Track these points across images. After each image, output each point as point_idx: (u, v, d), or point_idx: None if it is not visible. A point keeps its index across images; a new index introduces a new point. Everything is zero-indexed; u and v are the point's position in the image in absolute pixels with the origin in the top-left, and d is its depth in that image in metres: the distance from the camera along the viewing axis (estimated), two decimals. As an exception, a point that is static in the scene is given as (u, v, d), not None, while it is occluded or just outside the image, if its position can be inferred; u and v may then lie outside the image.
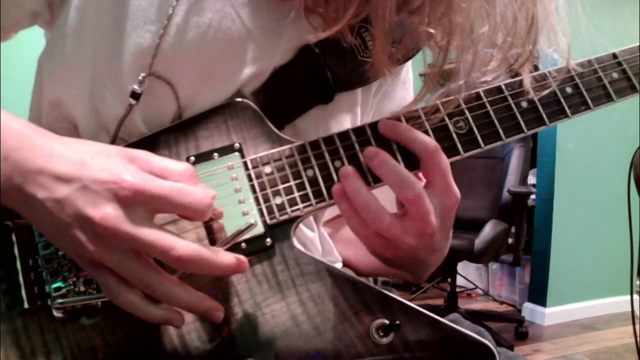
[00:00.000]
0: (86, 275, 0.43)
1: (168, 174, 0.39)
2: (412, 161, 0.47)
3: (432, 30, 0.43)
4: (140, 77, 0.45)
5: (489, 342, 0.42)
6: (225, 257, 0.38)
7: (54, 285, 0.43)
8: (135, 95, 0.45)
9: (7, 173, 0.37)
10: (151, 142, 0.47)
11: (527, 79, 0.48)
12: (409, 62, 0.60)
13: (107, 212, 0.35)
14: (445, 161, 0.45)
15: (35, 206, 0.37)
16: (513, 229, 2.34)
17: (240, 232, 0.42)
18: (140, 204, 0.37)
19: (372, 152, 0.45)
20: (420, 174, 0.47)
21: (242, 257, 0.40)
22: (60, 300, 0.42)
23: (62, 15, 0.47)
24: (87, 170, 0.36)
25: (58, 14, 0.48)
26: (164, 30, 0.45)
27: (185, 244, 0.36)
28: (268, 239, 0.45)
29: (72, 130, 0.49)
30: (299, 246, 0.45)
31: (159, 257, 0.36)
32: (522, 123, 0.50)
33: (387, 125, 0.47)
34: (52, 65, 0.49)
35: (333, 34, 0.45)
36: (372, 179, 0.46)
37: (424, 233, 0.44)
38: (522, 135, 0.50)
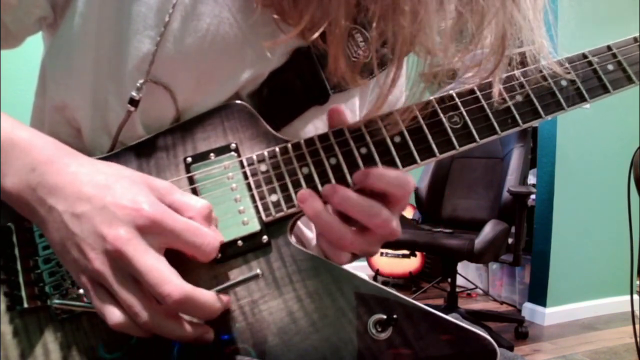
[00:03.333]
0: None
1: (186, 209, 0.40)
2: (405, 156, 0.48)
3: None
4: (138, 84, 0.45)
5: (488, 336, 0.42)
6: (215, 304, 0.39)
7: (54, 285, 0.43)
8: (133, 102, 0.45)
9: (33, 184, 0.39)
10: (149, 145, 0.47)
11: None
12: (405, 59, 0.61)
13: (121, 233, 0.37)
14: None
15: (52, 217, 0.38)
16: (513, 229, 2.33)
17: (242, 281, 0.42)
18: (154, 234, 0.38)
19: (330, 190, 0.45)
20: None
21: (227, 298, 0.41)
22: (58, 301, 0.42)
23: (66, 20, 0.47)
24: (109, 192, 0.38)
25: (61, 17, 0.48)
26: (161, 38, 0.45)
27: (179, 282, 0.37)
28: (264, 237, 0.45)
29: (75, 133, 0.50)
30: (295, 243, 0.46)
31: (150, 287, 0.37)
32: (517, 116, 0.49)
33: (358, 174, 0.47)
34: (55, 70, 0.49)
35: (289, 40, 0.45)
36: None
37: (387, 240, 0.47)
38: (518, 128, 0.50)
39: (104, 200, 0.38)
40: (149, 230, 0.38)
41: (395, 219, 0.46)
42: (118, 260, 0.37)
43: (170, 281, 0.37)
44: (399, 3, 0.41)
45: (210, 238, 0.40)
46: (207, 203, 0.42)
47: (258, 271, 0.43)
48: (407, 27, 0.41)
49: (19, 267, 0.43)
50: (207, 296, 0.39)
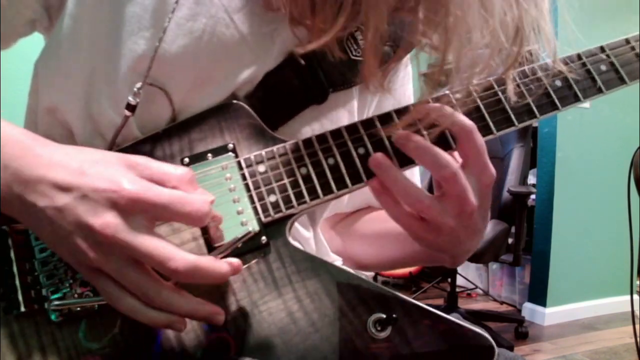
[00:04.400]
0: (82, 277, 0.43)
1: (167, 180, 0.39)
2: (403, 157, 0.47)
3: (426, 40, 0.43)
4: (135, 89, 0.45)
5: (487, 335, 0.42)
6: (221, 267, 0.38)
7: (51, 289, 0.43)
8: (130, 107, 0.45)
9: (7, 182, 0.37)
10: (145, 145, 0.47)
11: (510, 85, 0.48)
12: (407, 57, 0.60)
13: (107, 220, 0.36)
14: (481, 140, 0.46)
15: (36, 214, 0.37)
16: (513, 229, 2.33)
17: (238, 240, 0.42)
18: (140, 212, 0.37)
19: (404, 136, 0.46)
20: (456, 154, 0.48)
21: (236, 262, 0.40)
22: (57, 302, 0.42)
23: (59, 21, 0.47)
24: (87, 178, 0.37)
25: (56, 19, 0.48)
26: (159, 43, 0.45)
27: (183, 255, 0.37)
28: (263, 237, 0.45)
29: (68, 135, 0.49)
30: (294, 243, 0.46)
31: (156, 267, 0.37)
32: (512, 116, 0.50)
33: (420, 107, 0.47)
34: (47, 71, 0.49)
35: (321, 46, 0.44)
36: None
37: (463, 212, 0.45)
38: (513, 128, 0.50)
39: (82, 188, 0.36)
40: (134, 209, 0.37)
41: (470, 190, 0.45)
42: (112, 246, 0.36)
43: (173, 256, 0.36)
44: (448, 3, 0.40)
45: (199, 203, 0.38)
46: (188, 169, 0.41)
47: (250, 229, 0.42)
48: (450, 23, 0.41)
49: (15, 270, 0.43)
50: (212, 261, 0.38)
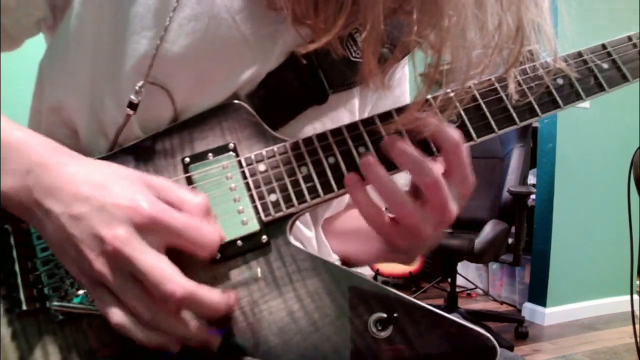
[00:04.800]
0: None
1: (184, 206, 0.40)
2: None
3: (420, 40, 0.43)
4: (137, 87, 0.45)
5: (490, 335, 0.42)
6: (219, 303, 0.39)
7: (53, 287, 0.43)
8: (132, 105, 0.45)
9: (29, 186, 0.38)
10: (147, 145, 0.47)
11: (512, 84, 0.48)
12: (405, 59, 0.61)
13: (119, 233, 0.36)
14: (466, 153, 0.46)
15: (49, 219, 0.38)
16: (513, 229, 2.33)
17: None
18: (153, 232, 0.38)
19: (391, 140, 0.46)
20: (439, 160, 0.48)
21: (232, 296, 0.41)
22: (56, 304, 0.42)
23: (64, 21, 0.47)
24: (107, 192, 0.38)
25: (60, 19, 0.49)
26: (161, 41, 0.45)
27: (181, 281, 0.37)
28: (264, 236, 0.45)
29: (72, 135, 0.50)
30: (295, 243, 0.46)
31: (153, 287, 0.37)
32: (514, 115, 0.50)
33: (417, 106, 0.46)
34: (52, 71, 0.49)
35: (322, 45, 0.44)
36: (386, 167, 0.46)
37: (442, 221, 0.45)
38: (515, 127, 0.50)
39: (101, 200, 0.37)
40: (148, 229, 0.37)
41: (451, 199, 0.45)
42: (118, 260, 0.36)
43: (172, 279, 0.36)
44: (442, 5, 0.40)
45: (210, 235, 0.39)
46: (204, 198, 0.42)
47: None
48: (444, 24, 0.41)
49: (17, 269, 0.43)
50: (211, 293, 0.38)
